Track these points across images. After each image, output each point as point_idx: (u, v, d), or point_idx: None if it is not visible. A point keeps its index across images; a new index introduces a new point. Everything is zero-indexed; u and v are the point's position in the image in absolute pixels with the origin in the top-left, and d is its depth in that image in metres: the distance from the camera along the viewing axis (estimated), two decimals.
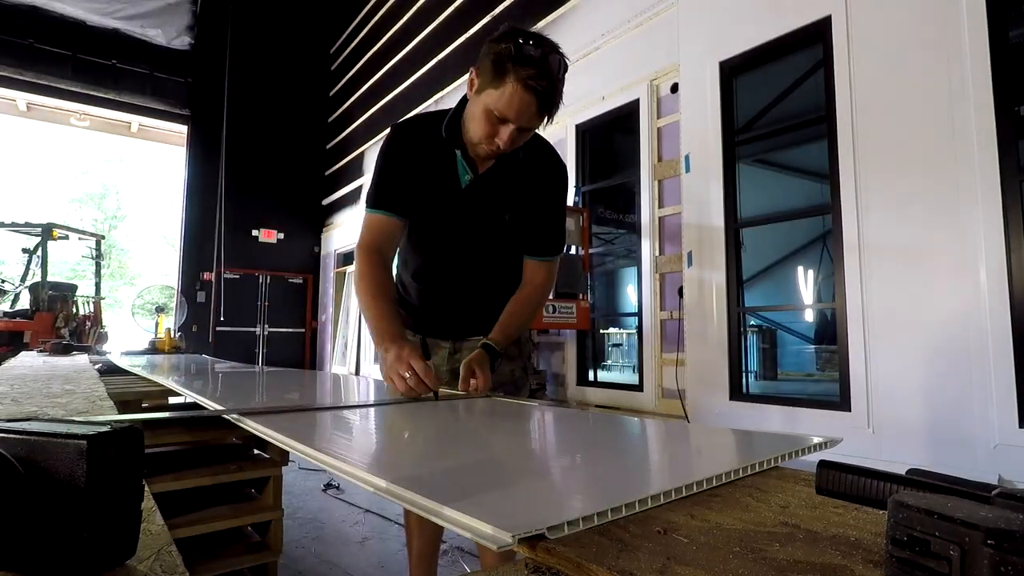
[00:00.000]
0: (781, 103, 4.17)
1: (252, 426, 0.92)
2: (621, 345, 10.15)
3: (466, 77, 1.37)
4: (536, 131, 1.43)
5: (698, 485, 0.58)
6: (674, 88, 4.52)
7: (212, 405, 1.17)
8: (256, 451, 2.12)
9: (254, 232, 10.78)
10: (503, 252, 1.57)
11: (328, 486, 3.11)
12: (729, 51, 4.10)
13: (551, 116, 1.36)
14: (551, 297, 4.67)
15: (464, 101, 1.42)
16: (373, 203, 1.48)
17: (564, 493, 0.61)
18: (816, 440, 0.88)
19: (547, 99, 1.29)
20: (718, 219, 4.07)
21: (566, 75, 1.32)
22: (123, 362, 2.57)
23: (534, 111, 1.31)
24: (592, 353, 5.50)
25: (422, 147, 1.47)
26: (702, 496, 0.57)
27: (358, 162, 10.16)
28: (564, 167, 1.58)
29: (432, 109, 7.81)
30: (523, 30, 1.29)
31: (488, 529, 0.44)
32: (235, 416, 0.99)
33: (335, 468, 0.68)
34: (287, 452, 2.05)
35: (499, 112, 1.30)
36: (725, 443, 0.95)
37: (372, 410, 1.16)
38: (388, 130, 1.54)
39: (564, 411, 1.27)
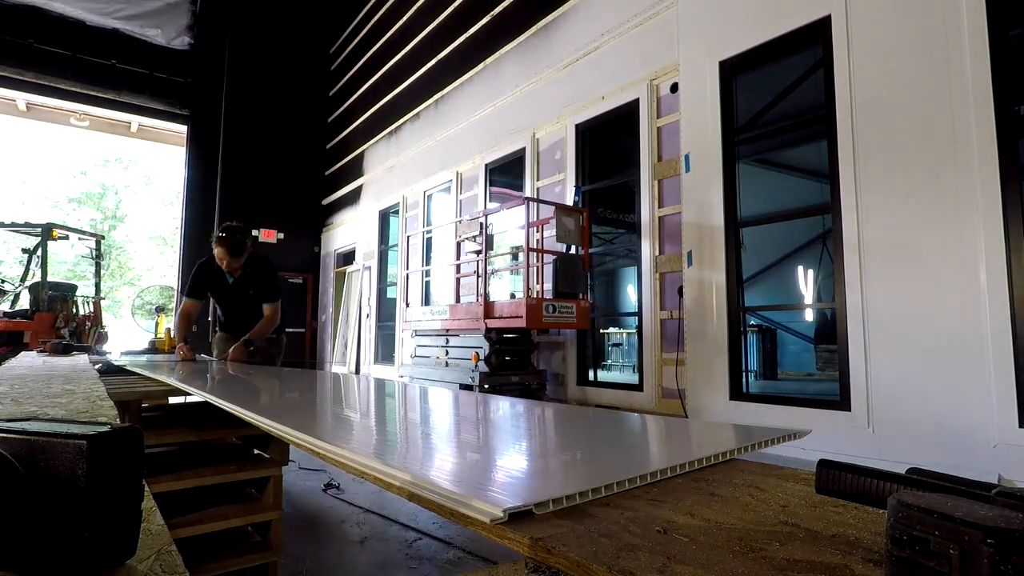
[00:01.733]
0: (781, 102, 4.17)
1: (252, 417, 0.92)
2: (621, 345, 10.14)
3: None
4: (251, 252, 3.48)
5: (662, 473, 0.63)
6: (674, 88, 4.52)
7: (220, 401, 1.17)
8: (256, 451, 2.12)
9: (254, 232, 10.78)
10: (254, 306, 3.50)
11: (328, 486, 3.10)
12: (729, 51, 4.10)
13: (241, 254, 3.34)
14: (550, 297, 4.68)
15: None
16: (188, 294, 3.53)
17: (547, 477, 0.66)
18: (789, 431, 0.92)
19: (231, 244, 3.28)
20: (718, 219, 4.07)
21: (244, 234, 3.36)
22: (128, 364, 2.57)
23: (227, 252, 3.28)
24: (592, 353, 5.50)
25: (211, 269, 3.45)
26: (702, 496, 0.57)
27: (358, 162, 10.16)
28: (267, 262, 3.62)
29: (431, 109, 7.82)
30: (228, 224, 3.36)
31: (483, 505, 0.49)
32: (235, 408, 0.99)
33: (330, 452, 0.70)
34: (288, 452, 2.05)
35: (218, 258, 3.33)
36: (694, 434, 0.98)
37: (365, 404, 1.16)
38: (200, 261, 3.55)
39: (540, 404, 1.30)
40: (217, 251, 3.22)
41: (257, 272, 3.48)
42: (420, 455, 0.78)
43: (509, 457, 0.79)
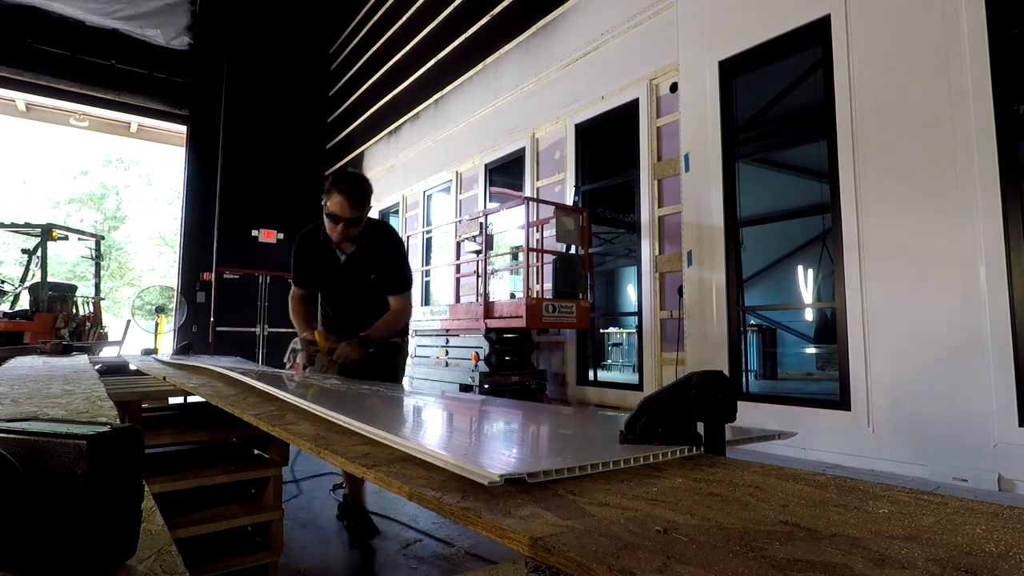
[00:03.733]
0: (781, 102, 4.17)
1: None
2: (621, 345, 10.14)
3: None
4: (370, 217, 2.42)
5: (654, 457, 0.72)
6: (673, 87, 4.52)
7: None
8: (256, 451, 2.12)
9: (254, 232, 10.77)
10: (373, 296, 2.52)
11: (337, 487, 3.10)
12: (728, 50, 4.10)
13: (364, 206, 2.29)
14: (550, 297, 4.68)
15: None
16: (295, 282, 2.59)
17: (537, 456, 0.78)
18: (775, 432, 0.95)
19: (353, 194, 2.25)
20: (718, 218, 4.07)
21: (370, 184, 2.35)
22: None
23: (347, 202, 2.24)
24: (592, 353, 5.50)
25: (314, 246, 2.47)
26: (702, 496, 0.57)
27: (358, 162, 10.16)
28: (393, 233, 2.57)
29: (431, 109, 7.82)
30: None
31: (483, 471, 0.59)
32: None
33: (360, 429, 0.82)
34: (288, 452, 2.05)
35: (330, 212, 2.26)
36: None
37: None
38: (300, 233, 2.54)
39: (523, 403, 1.35)
40: (333, 204, 2.23)
41: (379, 247, 2.42)
42: (430, 439, 0.82)
43: (509, 443, 0.87)
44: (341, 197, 2.22)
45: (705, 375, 0.74)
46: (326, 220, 2.30)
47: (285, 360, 2.33)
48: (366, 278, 2.44)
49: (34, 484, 0.38)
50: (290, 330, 13.58)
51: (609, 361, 9.69)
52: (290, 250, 2.55)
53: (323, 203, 2.28)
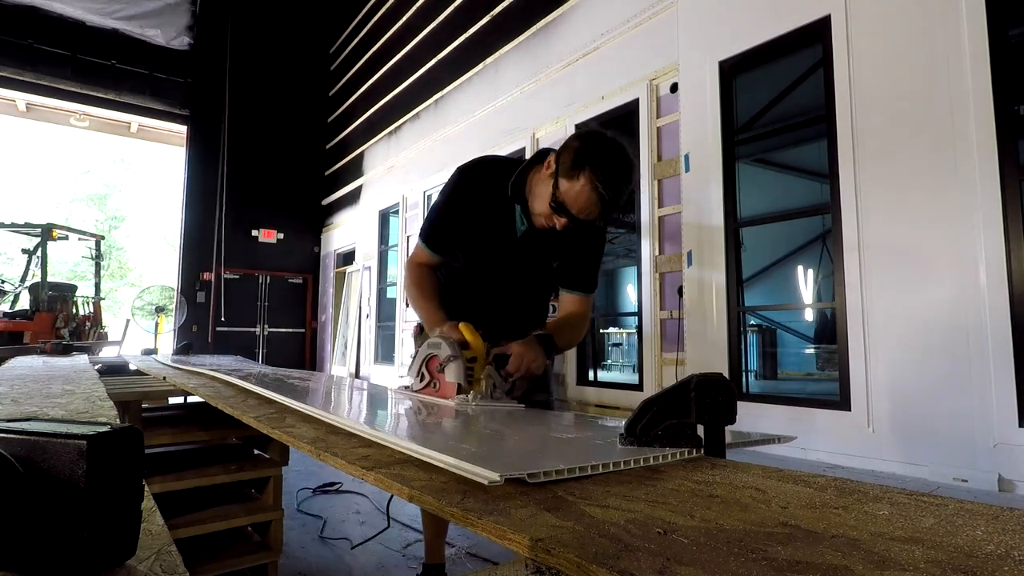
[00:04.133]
0: (781, 102, 4.17)
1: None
2: (621, 345, 10.15)
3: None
4: None
5: (654, 459, 0.73)
6: (673, 88, 4.52)
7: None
8: (256, 451, 2.12)
9: (254, 232, 10.78)
10: (543, 288, 1.81)
11: (330, 486, 3.11)
12: (729, 51, 4.09)
13: (611, 216, 1.49)
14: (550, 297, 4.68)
15: (532, 163, 1.55)
16: (426, 239, 1.70)
17: (535, 458, 0.78)
18: (773, 436, 0.96)
19: (611, 204, 1.40)
20: (718, 219, 4.07)
21: (635, 178, 1.44)
22: None
23: (596, 211, 1.41)
24: (592, 353, 5.50)
25: (484, 195, 1.62)
26: (702, 497, 0.57)
27: (358, 162, 10.16)
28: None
29: (431, 109, 7.82)
30: (607, 136, 1.41)
31: (484, 472, 0.60)
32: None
33: (365, 433, 0.84)
34: (288, 452, 2.05)
35: (564, 202, 1.41)
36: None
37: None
38: (455, 171, 1.67)
39: (519, 409, 1.35)
40: (578, 197, 1.38)
41: (580, 231, 1.55)
42: (430, 440, 0.82)
43: (509, 445, 0.87)
44: (595, 198, 1.37)
45: (705, 378, 0.74)
46: (548, 204, 1.43)
47: (411, 374, 1.48)
48: (547, 264, 1.66)
49: (34, 484, 0.38)
50: (292, 330, 13.60)
51: (609, 361, 9.70)
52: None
53: (551, 173, 1.42)
